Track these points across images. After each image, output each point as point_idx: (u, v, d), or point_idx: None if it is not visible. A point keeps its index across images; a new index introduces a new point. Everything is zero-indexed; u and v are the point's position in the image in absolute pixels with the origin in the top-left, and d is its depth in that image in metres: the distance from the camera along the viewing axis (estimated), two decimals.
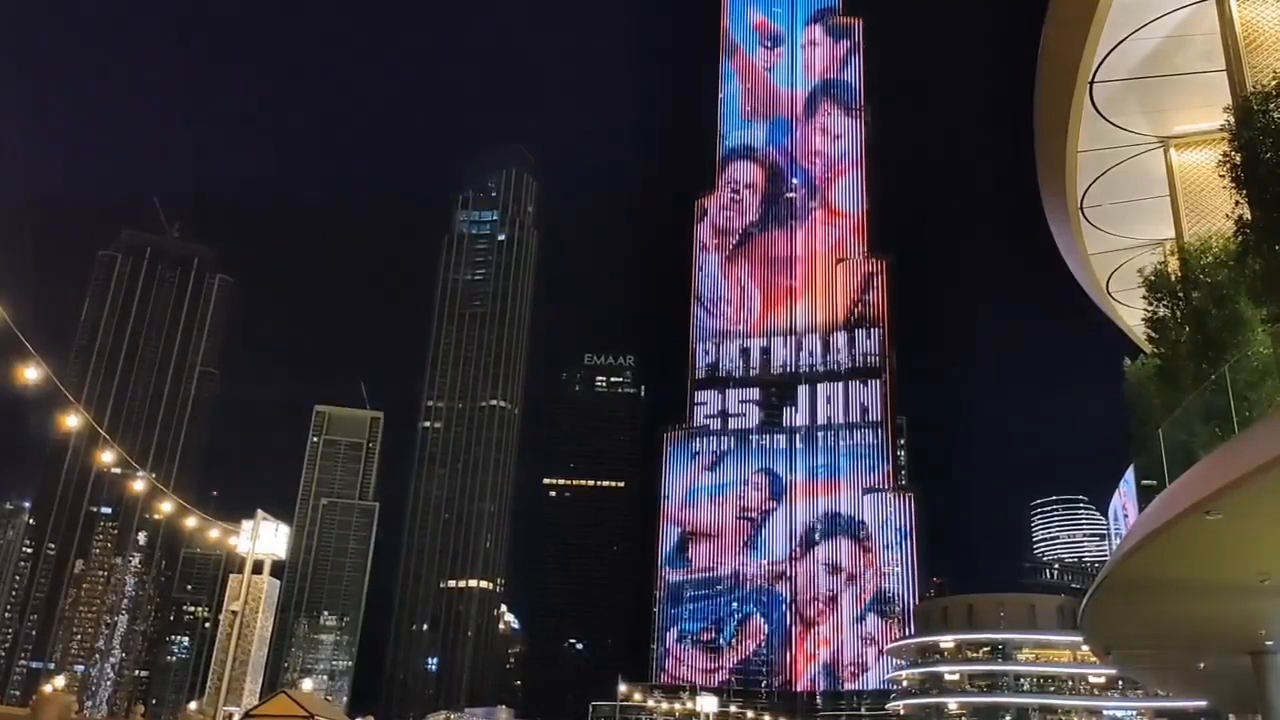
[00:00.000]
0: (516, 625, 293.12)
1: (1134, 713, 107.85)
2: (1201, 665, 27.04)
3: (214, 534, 20.67)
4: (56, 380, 15.10)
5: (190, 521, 19.43)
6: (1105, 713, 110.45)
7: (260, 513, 19.83)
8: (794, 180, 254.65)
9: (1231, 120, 19.48)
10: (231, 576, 21.70)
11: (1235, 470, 14.17)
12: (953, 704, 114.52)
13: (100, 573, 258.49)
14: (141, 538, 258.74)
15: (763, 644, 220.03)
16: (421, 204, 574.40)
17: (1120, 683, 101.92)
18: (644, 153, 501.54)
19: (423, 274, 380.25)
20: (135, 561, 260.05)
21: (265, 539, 19.78)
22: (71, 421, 16.06)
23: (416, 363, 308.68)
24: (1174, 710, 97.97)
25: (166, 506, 19.06)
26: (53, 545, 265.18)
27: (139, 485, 19.27)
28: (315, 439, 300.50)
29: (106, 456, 18.64)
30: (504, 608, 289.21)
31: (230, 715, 18.96)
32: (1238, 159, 18.67)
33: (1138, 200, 27.31)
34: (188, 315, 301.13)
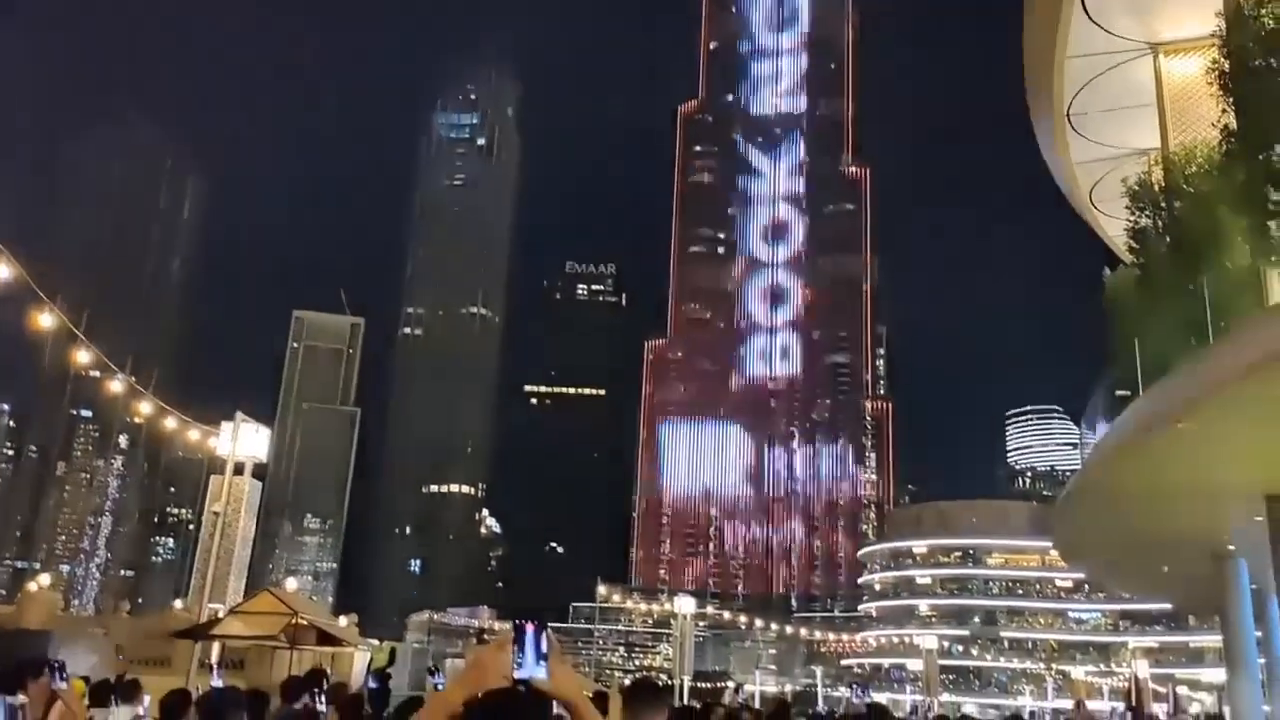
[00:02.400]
0: (498, 529, 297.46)
1: (1099, 614, 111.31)
2: (1165, 569, 27.77)
3: (194, 435, 20.69)
4: (28, 276, 14.89)
5: (169, 423, 19.43)
6: (1071, 615, 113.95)
7: (240, 414, 19.83)
8: (780, 85, 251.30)
9: (1222, 26, 19.21)
10: (213, 478, 21.85)
11: (1207, 380, 14.36)
12: (924, 606, 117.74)
13: (83, 475, 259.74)
14: (123, 440, 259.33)
15: (740, 548, 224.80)
16: (400, 105, 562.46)
17: (1086, 586, 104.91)
18: (628, 58, 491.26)
19: (401, 178, 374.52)
20: (118, 464, 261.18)
21: (246, 440, 19.81)
22: (46, 321, 15.89)
23: (396, 269, 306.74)
24: (1138, 612, 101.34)
25: (146, 408, 19.04)
26: (34, 448, 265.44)
27: (117, 386, 19.20)
28: (295, 344, 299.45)
29: (84, 358, 18.51)
30: (485, 512, 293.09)
31: (215, 611, 19.26)
32: (1226, 66, 18.47)
33: (1125, 109, 27.05)
34: (164, 215, 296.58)
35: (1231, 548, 23.24)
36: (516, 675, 2.61)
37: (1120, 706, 24.28)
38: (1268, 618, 23.51)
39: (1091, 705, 28.75)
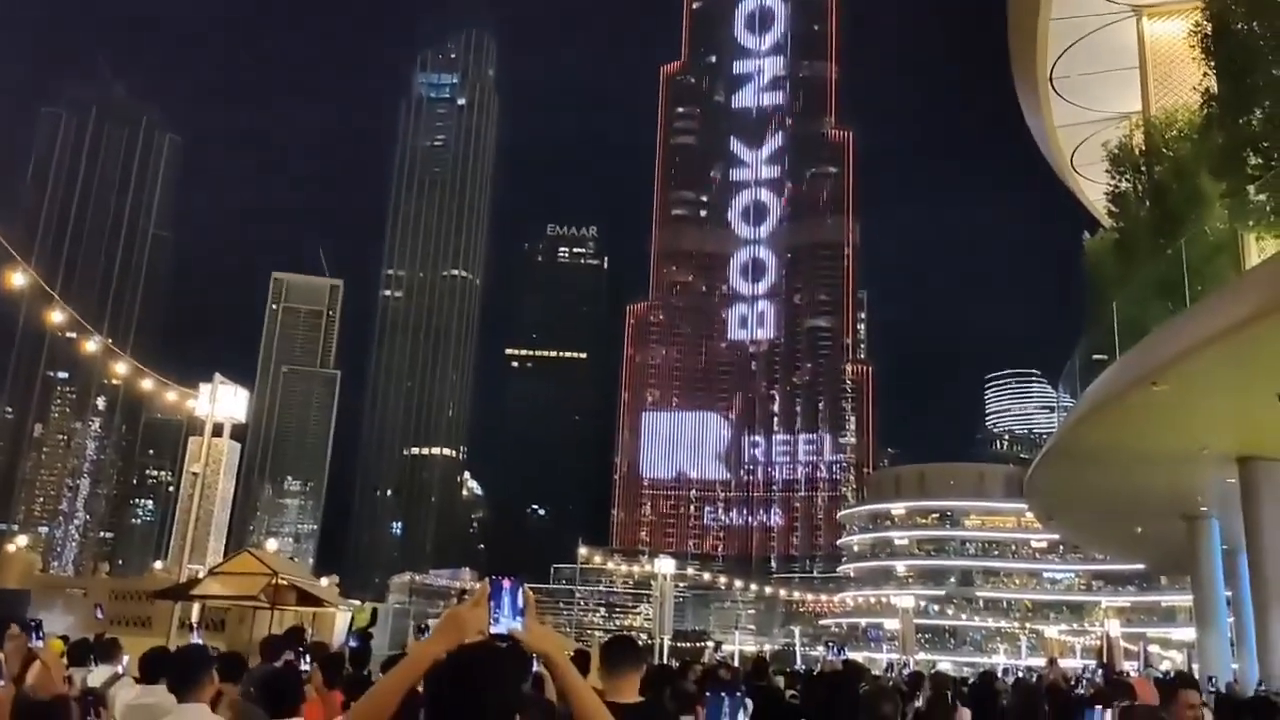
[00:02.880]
0: (479, 492, 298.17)
1: (1073, 575, 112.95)
2: (1139, 530, 28.18)
3: (171, 397, 20.57)
4: (1, 238, 14.66)
5: (146, 384, 19.28)
6: (1045, 575, 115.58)
7: (218, 376, 19.71)
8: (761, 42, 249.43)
9: None
10: (192, 439, 21.74)
11: (1183, 343, 14.48)
12: (901, 567, 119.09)
13: (60, 437, 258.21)
14: (100, 402, 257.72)
15: (720, 511, 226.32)
16: (380, 66, 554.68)
17: (1061, 547, 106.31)
18: (610, 19, 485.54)
19: (381, 139, 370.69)
20: (95, 426, 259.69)
21: (224, 402, 19.70)
22: (19, 280, 15.69)
23: (376, 231, 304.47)
24: (1111, 573, 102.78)
25: (122, 369, 18.89)
26: (10, 410, 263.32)
27: (92, 347, 19.02)
28: (274, 306, 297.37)
29: (59, 318, 18.32)
30: (467, 475, 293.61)
31: (195, 572, 19.26)
32: (1208, 29, 18.43)
33: (1107, 72, 27.01)
34: (138, 176, 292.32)
35: (1204, 509, 23.59)
36: (493, 630, 2.62)
37: (1092, 664, 24.70)
38: (1237, 577, 23.91)
39: (1064, 663, 29.18)
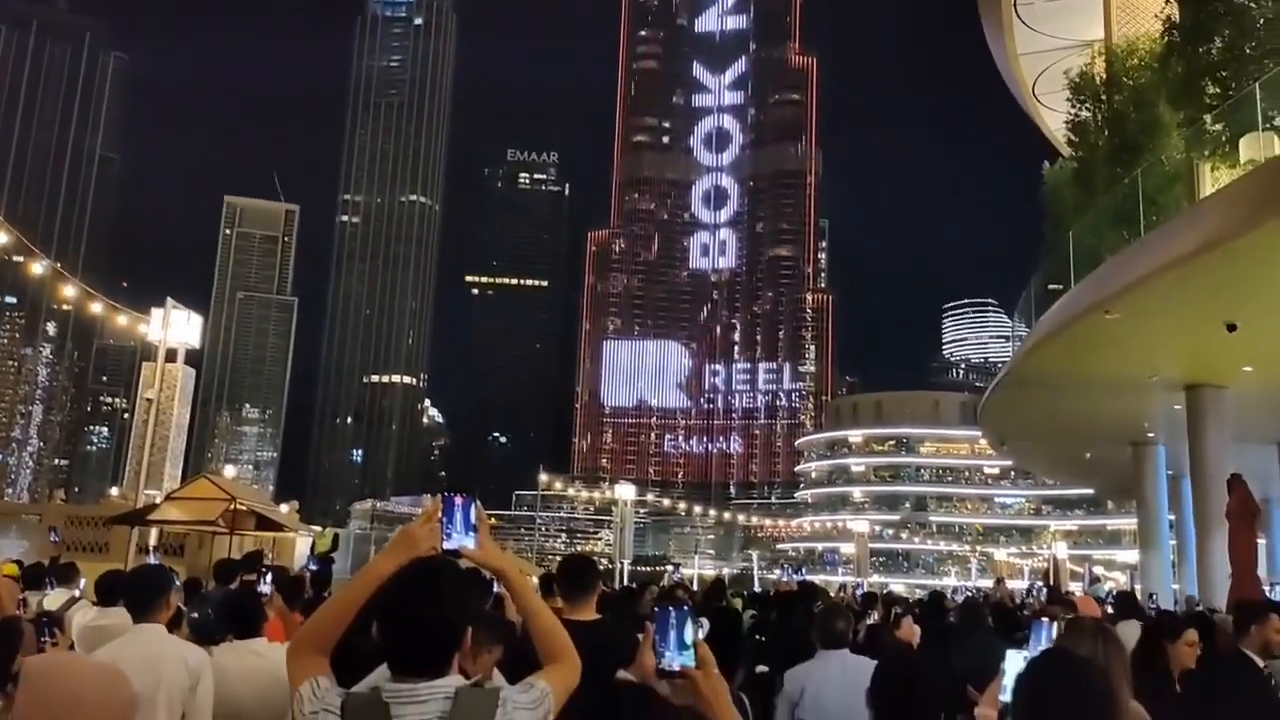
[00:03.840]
0: (440, 419, 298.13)
1: (1023, 500, 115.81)
2: (1088, 456, 28.81)
3: (122, 321, 20.20)
4: None
5: (96, 308, 18.91)
6: (996, 500, 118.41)
7: (170, 300, 19.36)
8: None
9: None
10: (145, 365, 21.43)
11: (1136, 272, 14.66)
12: (857, 493, 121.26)
13: (10, 363, 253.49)
14: (51, 328, 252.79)
15: (680, 438, 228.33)
16: None
17: (1012, 473, 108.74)
18: None
19: (335, 59, 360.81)
20: (46, 352, 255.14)
21: (177, 327, 19.39)
22: None
23: (331, 155, 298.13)
24: (1059, 498, 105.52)
25: (70, 292, 18.50)
26: None
27: (40, 270, 18.58)
28: (227, 231, 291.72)
29: (2, 240, 17.83)
30: (427, 402, 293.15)
31: (152, 498, 19.14)
32: None
33: None
34: (82, 95, 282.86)
35: (1151, 435, 24.16)
36: (445, 546, 2.63)
37: (1039, 584, 25.47)
38: (1181, 501, 24.63)
39: (1011, 584, 30.08)
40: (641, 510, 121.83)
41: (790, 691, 5.33)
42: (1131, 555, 53.19)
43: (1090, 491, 76.44)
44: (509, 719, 2.39)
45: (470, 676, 2.68)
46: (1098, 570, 59.17)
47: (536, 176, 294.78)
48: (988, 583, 45.28)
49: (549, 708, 2.52)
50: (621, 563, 38.54)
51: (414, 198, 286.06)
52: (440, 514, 2.65)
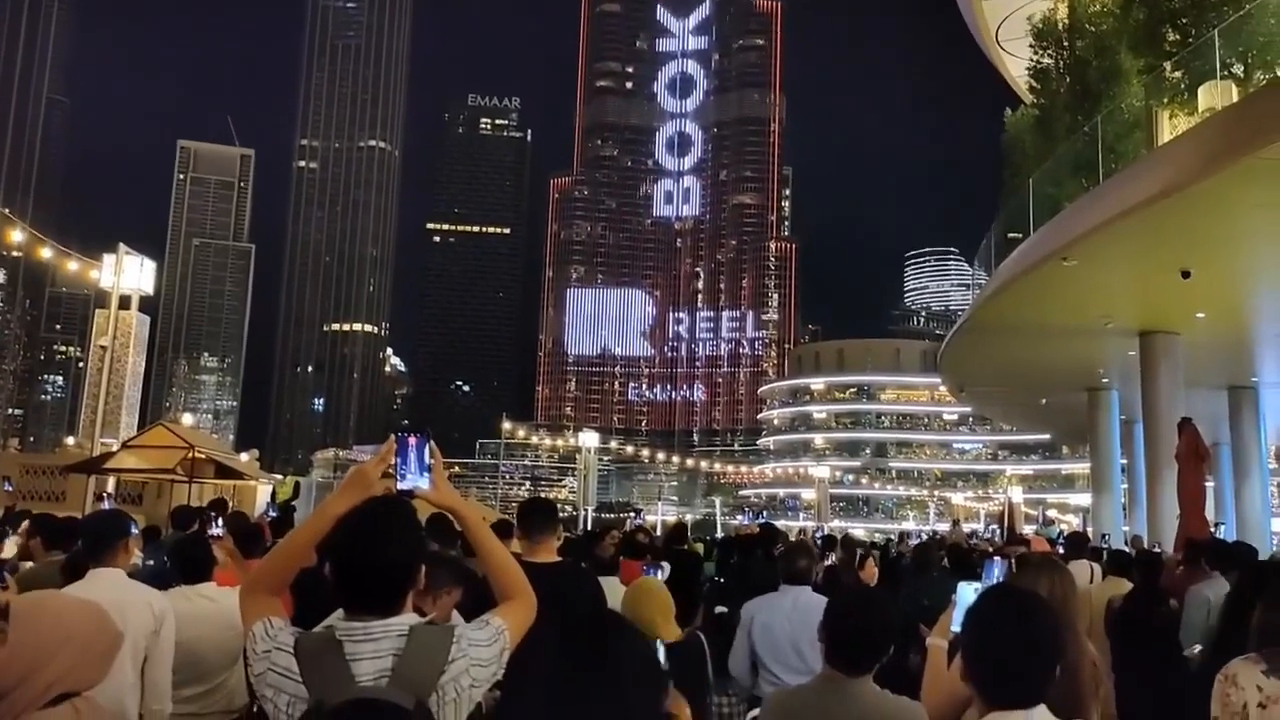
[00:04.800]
0: (402, 368, 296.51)
1: (980, 445, 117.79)
2: (1044, 401, 29.25)
3: (73, 267, 19.78)
4: None
5: (45, 253, 18.47)
6: (955, 446, 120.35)
7: (122, 246, 18.97)
8: None
9: None
10: (98, 312, 21.05)
11: (1093, 219, 14.76)
12: (819, 440, 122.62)
13: None
14: (1, 275, 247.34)
15: (644, 385, 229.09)
16: None
17: (970, 420, 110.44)
18: None
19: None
20: None
21: (130, 273, 19.02)
22: None
23: (287, 99, 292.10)
24: (1016, 443, 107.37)
25: (18, 236, 18.05)
26: None
27: None
28: (181, 176, 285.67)
29: None
30: (389, 351, 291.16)
31: (108, 446, 18.92)
32: None
33: None
34: (27, 35, 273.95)
35: (1105, 381, 24.54)
36: (400, 486, 2.61)
37: (993, 526, 26.00)
38: (1133, 445, 25.14)
39: (968, 527, 30.71)
40: (605, 458, 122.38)
41: (745, 620, 5.45)
42: (1085, 499, 54.38)
43: (1046, 437, 77.85)
44: (464, 655, 2.40)
45: (435, 619, 2.69)
46: (1051, 513, 60.48)
47: (498, 122, 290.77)
48: (945, 526, 46.16)
49: (504, 644, 2.53)
50: (585, 509, 38.80)
51: (373, 143, 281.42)
52: (394, 453, 2.63)
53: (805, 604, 5.28)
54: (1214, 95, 15.77)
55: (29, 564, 6.60)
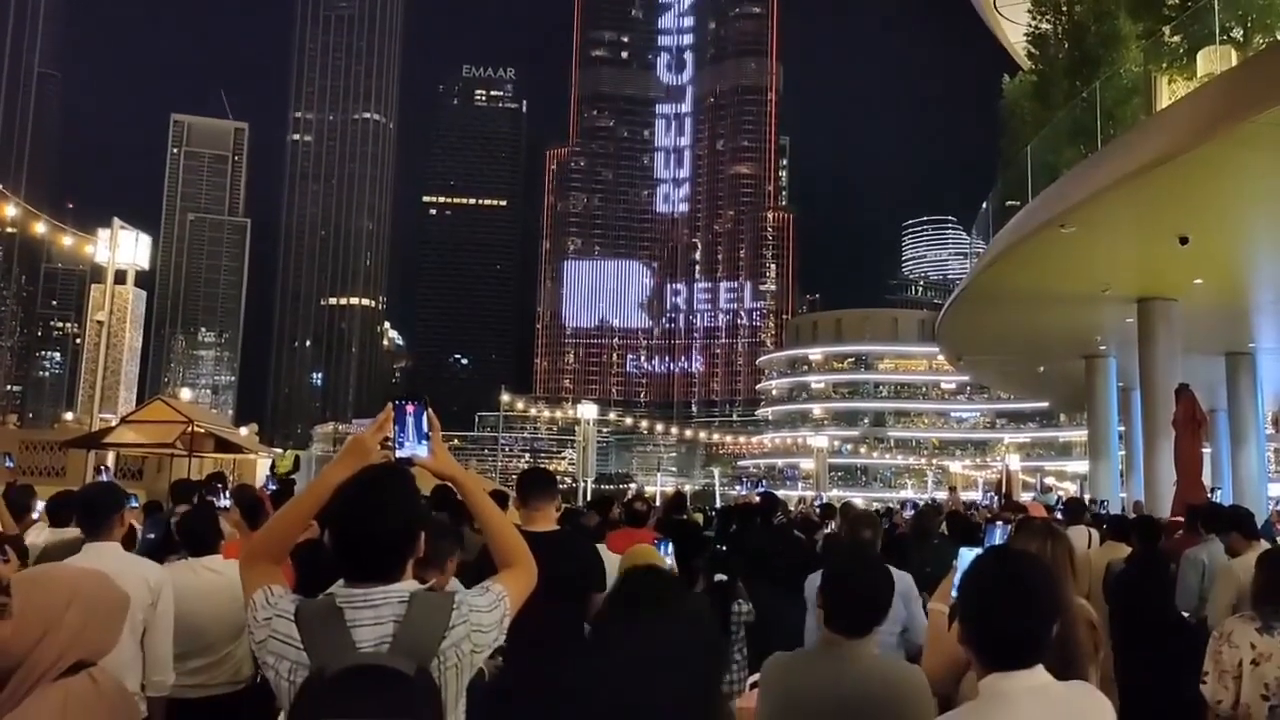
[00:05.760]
0: (400, 342, 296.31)
1: (978, 414, 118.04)
2: (1042, 369, 29.29)
3: (68, 242, 19.70)
4: None
5: (40, 228, 18.40)
6: (953, 415, 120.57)
7: (117, 220, 18.89)
8: None
9: None
10: (94, 288, 20.99)
11: (1091, 186, 14.70)
12: (817, 410, 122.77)
13: None
14: None
15: (642, 357, 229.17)
16: None
17: (968, 388, 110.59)
18: None
19: None
20: None
21: (125, 248, 18.95)
22: None
23: (280, 72, 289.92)
24: (1013, 411, 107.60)
25: (11, 211, 17.97)
26: None
27: None
28: (175, 150, 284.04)
29: None
30: (387, 325, 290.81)
31: (107, 421, 18.93)
32: None
33: None
34: (17, 10, 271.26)
35: (1103, 348, 24.56)
36: (398, 455, 2.61)
37: (991, 494, 26.10)
38: (1130, 412, 25.19)
39: (965, 495, 30.87)
40: (604, 429, 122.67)
41: (808, 594, 5.42)
42: (1082, 466, 54.62)
43: (1043, 405, 77.95)
44: (465, 621, 2.41)
45: (435, 586, 2.70)
46: (1049, 481, 60.74)
47: (493, 93, 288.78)
48: (943, 495, 46.37)
49: (505, 610, 2.54)
50: (585, 481, 38.92)
51: (367, 115, 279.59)
52: (392, 421, 2.62)
53: None
54: (1213, 60, 15.69)
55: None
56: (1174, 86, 17.64)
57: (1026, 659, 2.26)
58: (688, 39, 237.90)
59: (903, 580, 4.83)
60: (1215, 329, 21.98)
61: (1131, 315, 19.85)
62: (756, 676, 4.88)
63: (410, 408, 2.64)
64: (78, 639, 2.18)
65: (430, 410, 2.66)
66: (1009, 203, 21.63)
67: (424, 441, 2.62)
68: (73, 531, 5.74)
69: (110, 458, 17.84)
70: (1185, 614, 6.97)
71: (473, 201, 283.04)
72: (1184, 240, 14.72)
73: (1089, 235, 15.65)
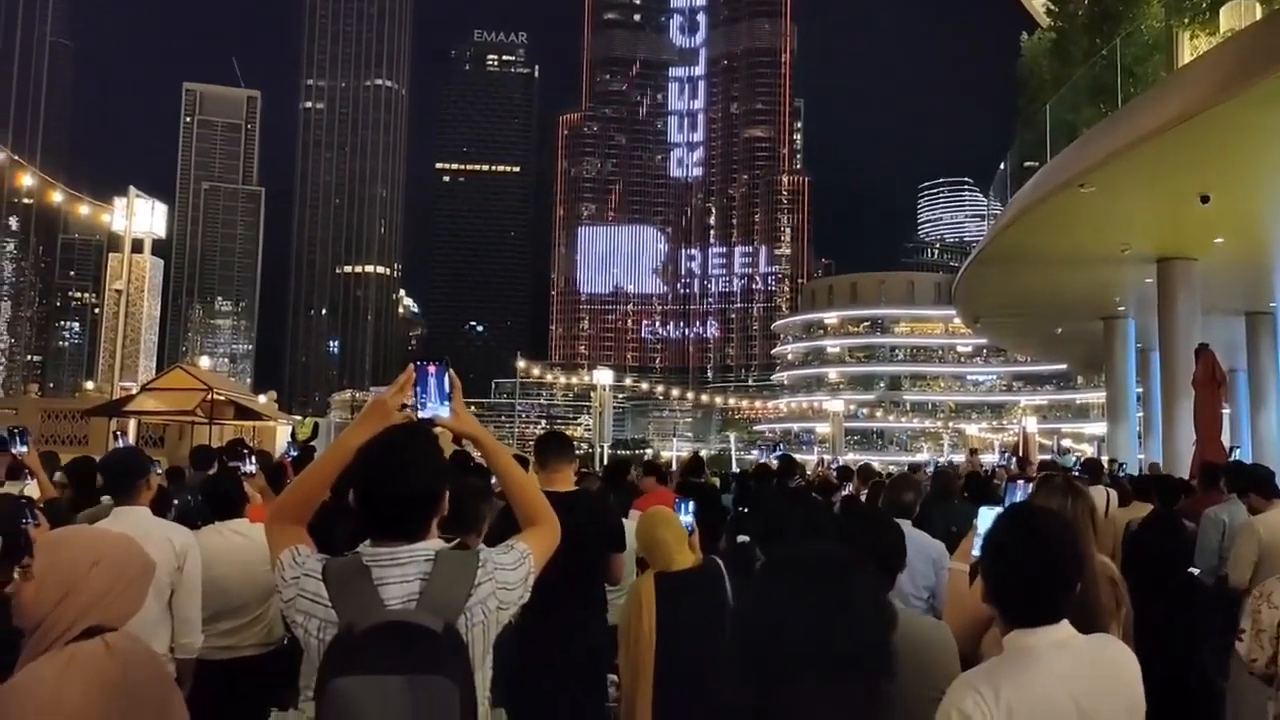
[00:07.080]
0: (416, 309, 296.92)
1: (994, 377, 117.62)
2: (1059, 331, 29.10)
3: (85, 211, 19.77)
4: None
5: (57, 197, 18.44)
6: (969, 378, 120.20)
7: (133, 189, 18.93)
8: None
9: None
10: (112, 256, 21.08)
11: (1111, 145, 14.52)
12: (833, 374, 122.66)
13: None
14: (13, 222, 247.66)
15: (657, 322, 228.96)
16: None
17: (984, 351, 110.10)
18: None
19: None
20: (10, 247, 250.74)
21: (142, 216, 19.00)
22: None
23: (292, 38, 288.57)
24: (1030, 374, 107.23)
25: (29, 181, 18.02)
26: None
27: None
28: (188, 119, 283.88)
29: None
30: (402, 292, 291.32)
31: (127, 390, 19.08)
32: None
33: None
34: None
35: (1121, 309, 24.36)
36: (420, 415, 2.61)
37: (1009, 456, 26.05)
38: (1149, 374, 25.04)
39: (983, 458, 30.80)
40: (620, 395, 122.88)
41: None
42: (1099, 428, 54.35)
43: (1061, 367, 77.67)
44: (490, 578, 2.43)
45: (467, 547, 2.73)
46: (1066, 443, 60.54)
47: (505, 58, 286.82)
48: (960, 458, 46.32)
49: (530, 568, 2.56)
50: (601, 446, 39.09)
51: (380, 82, 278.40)
52: (413, 383, 2.63)
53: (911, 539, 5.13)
54: (1236, 15, 15.40)
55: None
56: (1196, 42, 17.34)
57: (1051, 615, 2.27)
58: (700, 0, 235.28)
59: (935, 547, 4.86)
60: (1235, 289, 21.76)
61: (1151, 276, 19.65)
62: None
63: (432, 368, 2.64)
64: (98, 602, 2.19)
65: (451, 371, 2.66)
66: (1027, 163, 21.39)
67: (446, 402, 2.63)
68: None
69: (131, 425, 18.00)
70: (1194, 571, 6.97)
71: (486, 168, 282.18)
72: (1205, 199, 14.54)
73: (1108, 195, 15.48)
